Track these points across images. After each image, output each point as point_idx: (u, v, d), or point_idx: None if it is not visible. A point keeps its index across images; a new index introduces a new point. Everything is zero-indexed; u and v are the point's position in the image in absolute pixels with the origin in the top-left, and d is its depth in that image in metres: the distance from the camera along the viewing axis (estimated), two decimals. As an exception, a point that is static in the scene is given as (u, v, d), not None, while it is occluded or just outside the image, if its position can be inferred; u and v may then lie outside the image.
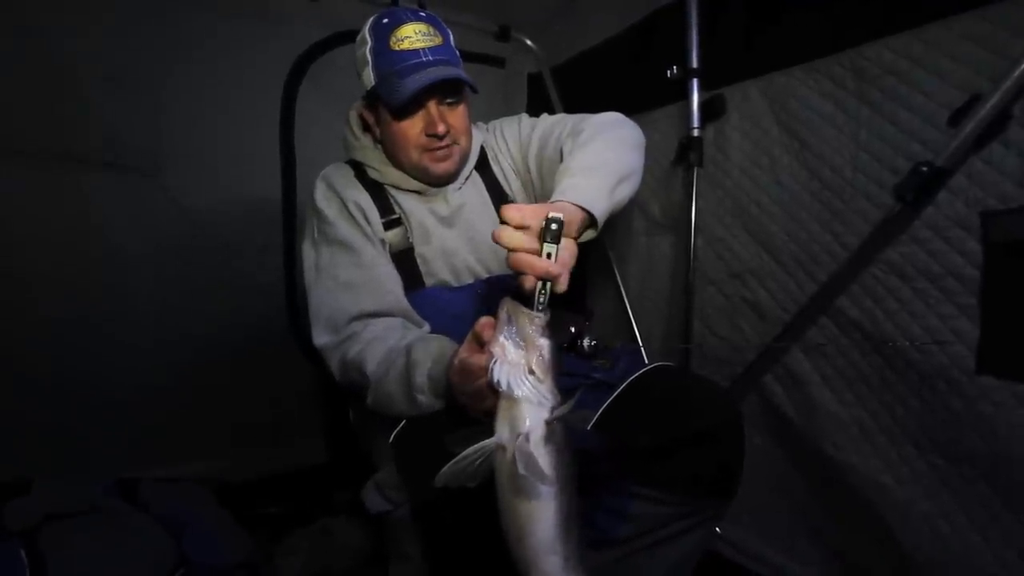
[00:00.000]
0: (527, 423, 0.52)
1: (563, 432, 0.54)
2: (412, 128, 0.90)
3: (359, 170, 0.99)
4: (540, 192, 1.00)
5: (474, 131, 1.00)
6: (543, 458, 0.52)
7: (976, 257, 0.88)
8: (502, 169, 1.03)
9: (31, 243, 1.30)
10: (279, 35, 1.56)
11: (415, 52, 0.86)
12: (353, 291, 0.89)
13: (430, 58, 0.86)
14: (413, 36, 0.86)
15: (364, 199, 0.95)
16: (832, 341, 1.10)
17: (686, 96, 1.33)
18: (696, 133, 1.32)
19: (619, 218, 1.58)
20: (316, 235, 0.94)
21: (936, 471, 0.96)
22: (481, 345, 0.61)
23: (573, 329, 1.09)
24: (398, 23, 0.87)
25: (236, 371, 1.58)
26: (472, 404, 0.64)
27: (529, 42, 1.91)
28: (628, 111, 1.52)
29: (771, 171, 1.20)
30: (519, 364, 0.54)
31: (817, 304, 1.10)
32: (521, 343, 0.54)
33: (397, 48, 0.86)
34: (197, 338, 1.52)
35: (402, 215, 0.96)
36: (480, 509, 0.62)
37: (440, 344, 0.79)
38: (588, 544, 0.91)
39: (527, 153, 1.00)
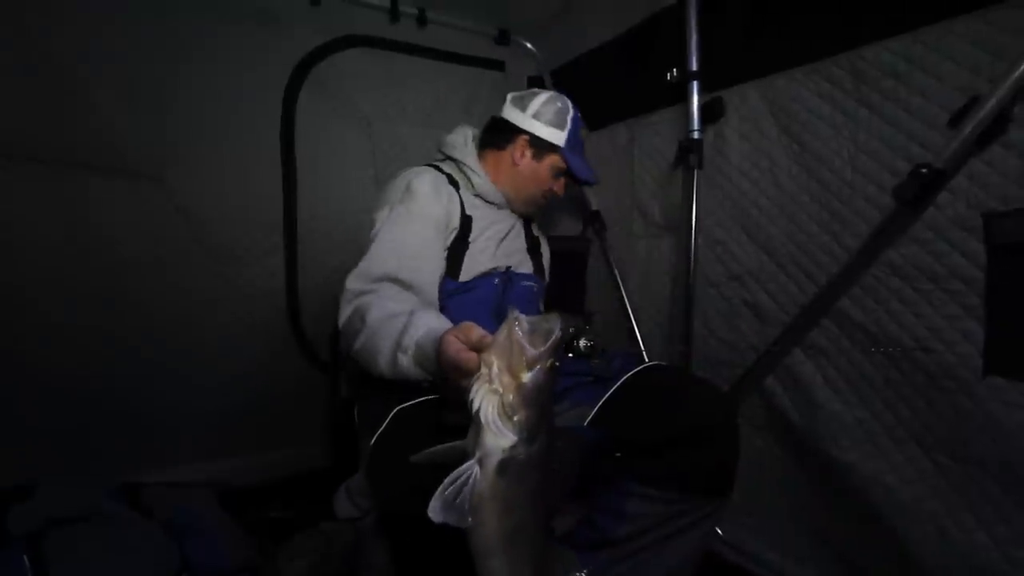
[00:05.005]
0: (485, 449, 0.53)
1: (529, 459, 0.54)
2: (551, 182, 1.22)
3: (443, 174, 1.17)
4: None
5: None
6: (494, 485, 0.53)
7: (979, 258, 0.88)
8: (538, 235, 1.35)
9: (34, 247, 1.30)
10: (280, 39, 1.56)
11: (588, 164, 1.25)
12: (398, 254, 0.99)
13: (595, 180, 1.28)
14: (584, 136, 1.25)
15: (455, 196, 1.12)
16: (833, 342, 1.10)
17: (685, 98, 1.33)
18: (696, 135, 1.32)
19: (619, 221, 1.59)
20: (396, 201, 1.06)
21: (941, 470, 0.95)
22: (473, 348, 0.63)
23: (572, 330, 1.11)
24: (583, 125, 1.24)
25: (238, 375, 1.58)
26: (455, 396, 0.67)
27: (529, 45, 1.92)
28: (627, 113, 1.55)
29: (770, 173, 1.20)
30: (496, 392, 0.53)
31: (818, 306, 1.10)
32: (506, 371, 0.54)
33: (583, 138, 1.24)
34: (199, 342, 1.52)
35: (472, 217, 1.13)
36: (451, 526, 0.63)
37: (440, 321, 0.81)
38: (588, 546, 0.91)
39: None
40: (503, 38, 1.90)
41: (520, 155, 1.19)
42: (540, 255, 1.31)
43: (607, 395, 0.98)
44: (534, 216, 1.33)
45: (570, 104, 1.21)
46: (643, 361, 1.26)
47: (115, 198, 1.38)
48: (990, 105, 0.82)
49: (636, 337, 1.54)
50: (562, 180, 1.24)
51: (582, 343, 1.09)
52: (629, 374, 1.01)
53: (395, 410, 0.89)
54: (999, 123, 0.83)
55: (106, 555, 0.98)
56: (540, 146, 1.19)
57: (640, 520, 0.90)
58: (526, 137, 1.19)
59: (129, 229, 1.41)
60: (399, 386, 0.86)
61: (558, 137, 1.18)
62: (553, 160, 1.20)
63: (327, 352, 1.59)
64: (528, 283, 1.20)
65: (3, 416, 1.28)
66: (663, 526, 0.91)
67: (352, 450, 1.16)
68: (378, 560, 0.93)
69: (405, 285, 0.96)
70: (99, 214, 1.37)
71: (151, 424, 1.47)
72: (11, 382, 1.28)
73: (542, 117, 1.19)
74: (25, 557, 0.91)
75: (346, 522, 1.16)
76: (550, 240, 1.42)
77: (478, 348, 0.60)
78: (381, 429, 0.87)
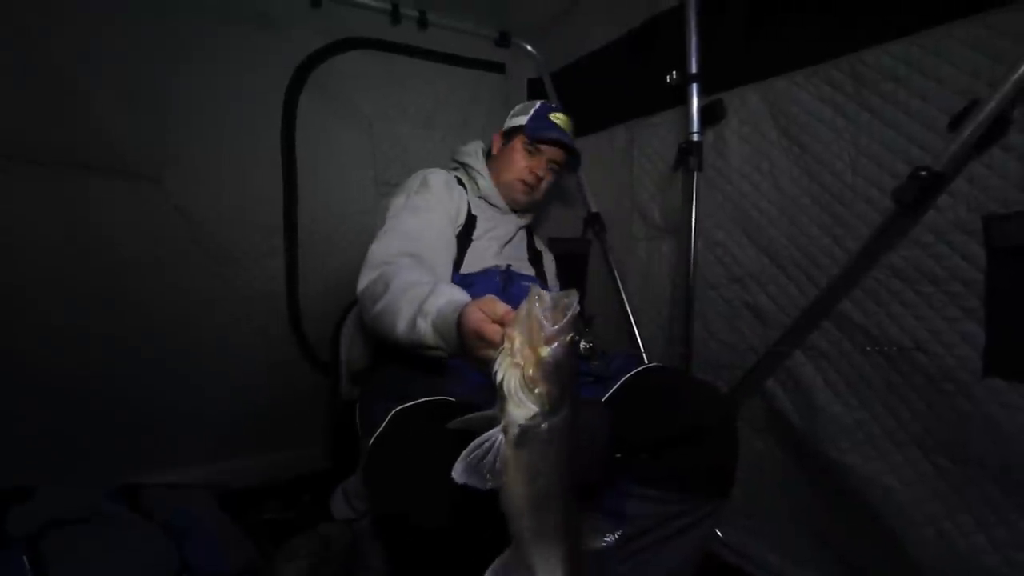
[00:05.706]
0: (508, 419, 0.55)
1: (550, 430, 0.55)
2: (524, 161, 1.27)
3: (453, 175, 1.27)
4: None
5: (530, 218, 1.39)
6: (517, 452, 0.55)
7: (979, 260, 0.88)
8: (541, 249, 1.42)
9: (34, 247, 1.30)
10: (281, 40, 1.56)
11: (560, 129, 1.28)
12: (419, 235, 1.06)
13: (565, 137, 1.28)
14: (562, 120, 1.29)
15: (463, 195, 1.23)
16: (833, 345, 1.10)
17: (686, 101, 1.33)
18: (696, 138, 1.32)
19: (618, 223, 1.60)
20: (413, 192, 1.15)
21: (941, 472, 0.95)
22: (496, 322, 0.65)
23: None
24: (558, 110, 1.31)
25: (238, 377, 1.58)
26: (475, 365, 0.70)
27: (529, 47, 1.92)
28: (627, 115, 1.55)
29: (771, 175, 1.20)
30: (517, 366, 0.55)
31: (819, 308, 1.10)
32: (529, 345, 0.55)
33: (551, 120, 1.28)
34: (199, 344, 1.52)
35: (477, 216, 1.23)
36: (445, 529, 0.64)
37: (462, 294, 0.84)
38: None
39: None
40: (504, 40, 1.90)
41: (497, 148, 1.34)
42: (541, 265, 1.37)
43: (606, 396, 0.98)
44: (535, 226, 1.38)
45: (538, 102, 1.34)
46: (643, 362, 1.26)
47: (115, 199, 1.38)
48: (989, 108, 0.82)
49: (636, 339, 1.54)
50: (542, 159, 1.27)
51: (582, 345, 1.09)
52: (628, 375, 1.01)
53: (393, 411, 0.89)
54: (999, 126, 0.83)
55: (105, 556, 0.98)
56: (509, 133, 1.32)
57: (640, 521, 0.90)
58: (501, 131, 1.35)
59: (129, 230, 1.40)
60: (410, 359, 0.88)
61: (522, 120, 1.30)
62: (521, 139, 1.29)
63: (328, 354, 1.59)
64: (527, 283, 1.22)
65: (3, 416, 1.28)
66: (663, 526, 0.91)
67: (353, 452, 1.16)
68: (375, 562, 0.93)
69: (425, 264, 1.01)
70: (99, 215, 1.37)
71: (151, 425, 1.46)
72: (11, 382, 1.28)
73: (514, 115, 1.34)
74: (25, 558, 0.90)
75: (344, 523, 1.16)
76: (550, 242, 1.42)
77: (501, 322, 0.63)
78: (379, 430, 0.87)
